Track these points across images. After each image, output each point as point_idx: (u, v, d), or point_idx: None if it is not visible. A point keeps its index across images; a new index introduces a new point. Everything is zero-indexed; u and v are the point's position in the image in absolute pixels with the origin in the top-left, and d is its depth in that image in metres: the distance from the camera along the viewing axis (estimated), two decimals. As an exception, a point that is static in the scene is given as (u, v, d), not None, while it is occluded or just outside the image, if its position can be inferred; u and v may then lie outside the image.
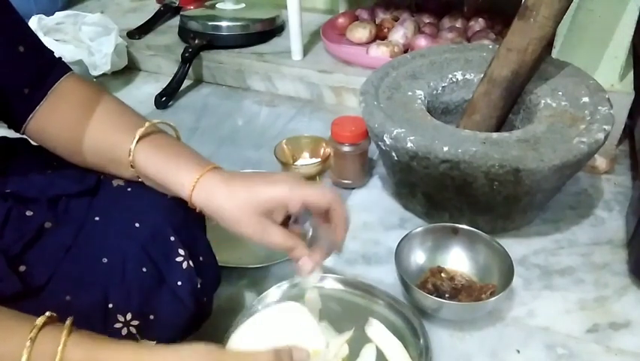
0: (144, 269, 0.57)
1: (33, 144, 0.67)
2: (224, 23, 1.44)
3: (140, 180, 0.61)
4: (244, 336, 0.51)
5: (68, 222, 0.58)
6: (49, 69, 0.62)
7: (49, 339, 0.43)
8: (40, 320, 0.44)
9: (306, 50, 1.38)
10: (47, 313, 0.45)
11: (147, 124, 0.60)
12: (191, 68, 1.39)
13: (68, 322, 0.45)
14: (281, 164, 1.03)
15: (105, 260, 0.56)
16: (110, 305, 0.55)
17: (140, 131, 0.59)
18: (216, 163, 0.60)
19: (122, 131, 0.60)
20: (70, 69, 0.64)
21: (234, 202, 0.56)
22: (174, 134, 0.65)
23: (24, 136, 0.65)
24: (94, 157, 0.62)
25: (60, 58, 0.64)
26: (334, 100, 1.32)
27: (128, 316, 0.56)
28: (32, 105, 0.60)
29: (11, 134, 0.65)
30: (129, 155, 0.59)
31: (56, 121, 0.61)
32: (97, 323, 0.54)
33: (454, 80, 0.98)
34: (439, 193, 0.87)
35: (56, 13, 1.43)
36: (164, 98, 1.32)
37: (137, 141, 0.59)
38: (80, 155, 0.62)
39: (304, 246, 0.58)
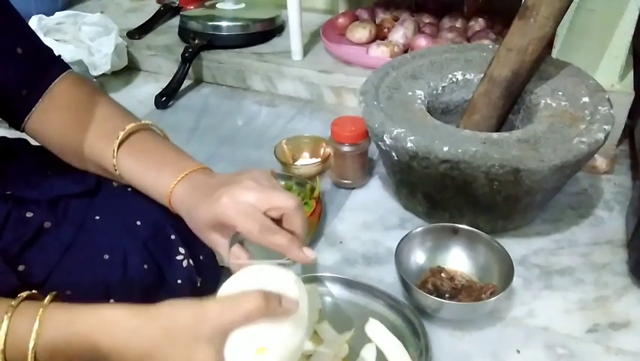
0: (145, 266, 0.58)
1: (32, 144, 0.67)
2: (224, 23, 1.44)
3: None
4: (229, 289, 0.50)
5: (68, 222, 0.58)
6: (47, 70, 0.62)
7: (31, 305, 0.44)
8: (23, 294, 0.45)
9: (306, 50, 1.38)
10: (27, 291, 0.46)
11: (121, 133, 0.59)
12: (191, 68, 1.39)
13: (52, 294, 0.45)
14: (281, 164, 1.04)
15: (106, 257, 0.57)
16: (111, 301, 0.55)
17: (117, 142, 0.59)
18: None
19: (107, 139, 0.60)
20: (68, 67, 0.64)
21: (192, 219, 0.56)
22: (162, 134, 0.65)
23: (23, 137, 0.65)
24: (87, 164, 0.62)
25: (59, 56, 0.64)
26: (334, 100, 1.32)
27: None
28: (29, 106, 0.61)
29: (11, 134, 0.66)
30: (115, 170, 0.59)
31: (49, 124, 0.62)
32: None
33: (454, 80, 0.98)
34: (439, 193, 0.87)
35: (56, 13, 1.43)
36: (164, 98, 1.32)
37: (117, 152, 0.59)
38: (74, 159, 0.63)
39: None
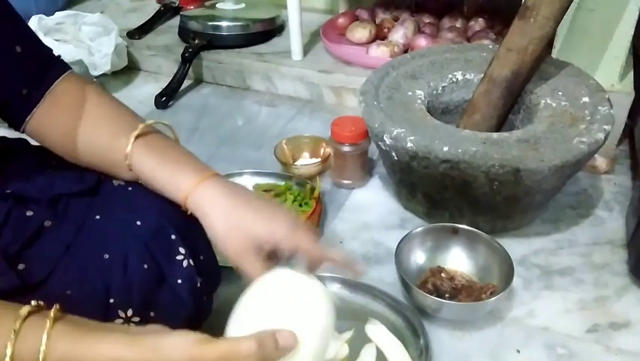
0: (145, 266, 0.57)
1: (33, 143, 0.67)
2: (224, 23, 1.44)
3: (139, 180, 0.61)
4: (242, 318, 0.50)
5: (68, 221, 0.58)
6: (48, 69, 0.62)
7: (33, 331, 0.43)
8: (24, 310, 0.43)
9: (306, 50, 1.38)
10: (33, 303, 0.45)
11: (141, 125, 0.60)
12: (191, 68, 1.39)
13: (52, 312, 0.44)
14: (281, 164, 1.04)
15: (107, 256, 0.56)
16: (111, 301, 0.55)
17: (134, 134, 0.59)
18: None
19: (118, 134, 0.60)
20: (69, 68, 0.64)
21: (230, 224, 0.56)
22: (172, 134, 0.65)
23: (24, 136, 0.65)
24: (91, 159, 0.62)
25: (59, 56, 0.64)
26: (334, 100, 1.32)
27: (129, 312, 0.56)
28: (30, 106, 0.60)
29: (11, 134, 0.65)
30: (126, 159, 0.59)
31: (52, 123, 0.61)
32: (98, 318, 0.54)
33: (454, 80, 0.98)
34: (439, 193, 0.87)
35: (56, 13, 1.43)
36: (164, 98, 1.32)
37: (133, 143, 0.59)
38: (78, 157, 0.62)
39: None
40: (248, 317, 0.50)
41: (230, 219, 0.56)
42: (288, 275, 0.52)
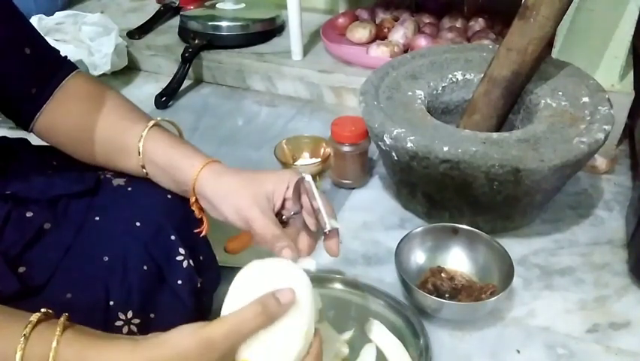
0: (145, 267, 0.57)
1: (33, 144, 0.67)
2: (224, 23, 1.44)
3: (144, 170, 0.61)
4: (233, 302, 0.51)
5: (68, 223, 0.58)
6: (56, 68, 0.63)
7: (42, 337, 0.43)
8: (34, 317, 0.44)
9: (306, 50, 1.38)
10: (42, 310, 0.45)
11: (157, 119, 0.63)
12: (191, 68, 1.39)
13: (62, 319, 0.44)
14: (281, 164, 1.03)
15: (106, 258, 0.56)
16: (111, 303, 0.55)
17: (152, 121, 0.62)
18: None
19: (132, 120, 0.62)
20: (76, 67, 0.65)
21: (241, 189, 0.58)
22: (176, 132, 0.66)
23: (24, 136, 0.66)
24: (101, 147, 0.63)
25: (66, 56, 0.65)
26: (334, 100, 1.32)
27: (129, 314, 0.56)
28: (40, 103, 0.61)
29: (11, 134, 0.66)
30: (139, 140, 0.60)
31: (64, 116, 0.62)
32: (98, 320, 0.54)
33: (454, 80, 0.98)
34: (439, 193, 0.87)
35: (56, 13, 1.43)
36: (164, 98, 1.32)
37: (150, 128, 0.61)
38: (88, 148, 0.63)
39: (288, 239, 0.58)
40: (239, 295, 0.50)
41: (240, 185, 0.59)
42: (269, 260, 0.53)
